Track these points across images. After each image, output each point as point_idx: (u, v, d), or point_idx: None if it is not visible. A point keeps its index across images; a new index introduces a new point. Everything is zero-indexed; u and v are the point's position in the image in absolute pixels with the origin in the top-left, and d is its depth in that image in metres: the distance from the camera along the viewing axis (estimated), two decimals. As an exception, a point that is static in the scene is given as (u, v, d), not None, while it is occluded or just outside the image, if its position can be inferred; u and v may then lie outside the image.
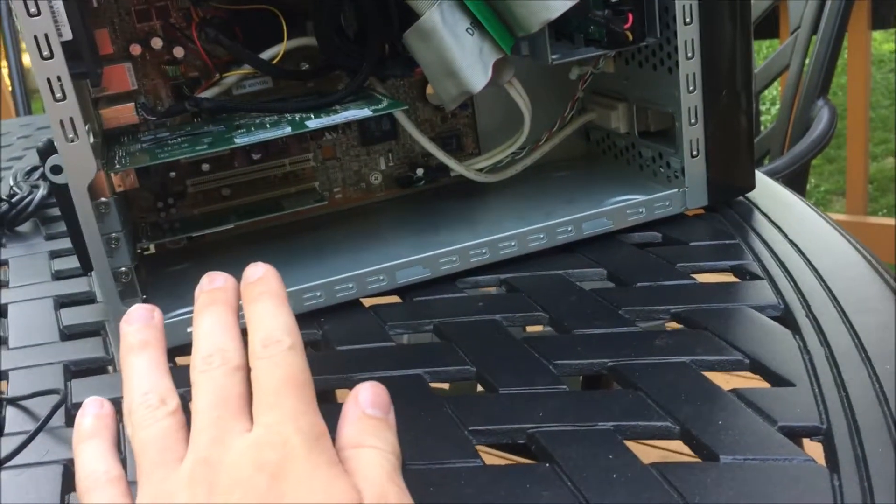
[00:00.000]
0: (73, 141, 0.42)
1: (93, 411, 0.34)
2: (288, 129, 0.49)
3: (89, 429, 0.34)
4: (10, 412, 0.44)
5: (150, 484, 0.30)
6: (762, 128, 1.21)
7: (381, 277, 0.50)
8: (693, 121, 0.52)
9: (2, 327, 0.54)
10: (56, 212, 0.73)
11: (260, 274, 0.35)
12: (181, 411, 0.32)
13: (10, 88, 1.51)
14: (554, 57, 0.51)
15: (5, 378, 0.48)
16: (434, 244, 0.52)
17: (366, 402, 0.32)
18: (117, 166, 0.47)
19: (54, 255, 0.65)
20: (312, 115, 0.50)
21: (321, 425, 0.30)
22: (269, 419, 0.30)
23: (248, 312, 0.34)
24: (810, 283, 0.45)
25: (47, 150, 0.44)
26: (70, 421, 0.43)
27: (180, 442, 0.30)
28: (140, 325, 0.35)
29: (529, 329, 0.51)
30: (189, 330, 0.47)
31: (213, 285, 0.36)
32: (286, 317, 0.33)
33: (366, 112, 0.50)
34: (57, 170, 0.44)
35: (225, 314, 0.34)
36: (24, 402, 0.44)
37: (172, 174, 0.57)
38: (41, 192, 0.73)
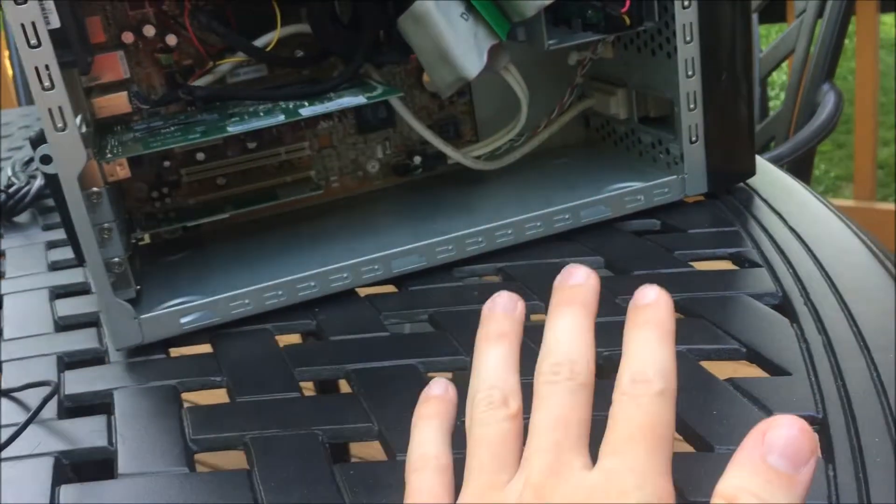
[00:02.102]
0: (62, 130, 0.42)
1: (438, 392, 0.33)
2: (282, 118, 0.49)
3: (431, 409, 0.32)
4: (3, 404, 0.44)
5: (474, 488, 0.29)
6: (770, 112, 1.20)
7: (377, 267, 0.50)
8: (692, 106, 0.51)
9: (-3, 318, 0.54)
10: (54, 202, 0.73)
11: (652, 298, 0.31)
12: (521, 416, 0.30)
13: (11, 78, 1.51)
14: (551, 42, 0.50)
15: (-1, 370, 0.48)
16: (430, 233, 0.51)
17: (773, 445, 0.25)
18: (109, 156, 0.47)
19: (51, 245, 0.65)
20: (307, 103, 0.50)
21: (669, 494, 0.26)
22: (613, 465, 0.27)
23: (628, 337, 0.30)
24: (809, 270, 0.44)
25: (38, 140, 0.44)
26: (62, 413, 0.42)
27: (514, 452, 0.29)
28: (502, 315, 0.33)
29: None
30: (182, 321, 0.47)
31: (573, 280, 0.32)
32: (667, 356, 0.29)
33: (360, 99, 0.49)
34: (47, 159, 0.43)
35: (584, 318, 0.31)
36: (16, 394, 0.44)
37: (167, 163, 0.56)
38: (39, 182, 0.72)
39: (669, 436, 0.28)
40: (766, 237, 0.48)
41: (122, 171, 0.48)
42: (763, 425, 0.26)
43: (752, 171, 0.54)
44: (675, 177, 0.53)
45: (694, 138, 0.52)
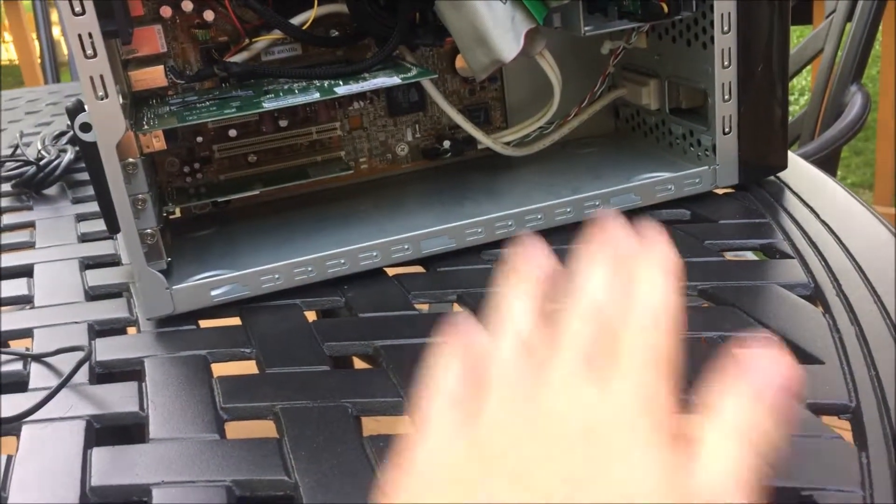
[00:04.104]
0: (102, 99, 0.42)
1: None
2: (316, 95, 0.49)
3: None
4: (35, 368, 0.44)
5: None
6: (790, 117, 1.19)
7: (406, 247, 0.50)
8: (727, 97, 0.51)
9: (28, 286, 0.54)
10: (83, 176, 0.74)
11: None
12: None
13: (39, 60, 1.52)
14: (587, 28, 0.50)
15: (31, 335, 0.48)
16: (460, 215, 0.51)
17: None
18: (145, 127, 0.47)
19: (80, 217, 0.66)
20: (341, 82, 0.50)
21: None
22: None
23: None
24: (841, 262, 0.44)
25: (76, 109, 0.44)
26: (93, 378, 0.43)
27: None
28: None
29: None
30: (213, 293, 0.47)
31: None
32: None
33: (395, 80, 0.50)
34: (86, 128, 0.44)
35: None
36: (48, 359, 0.44)
37: (199, 139, 0.57)
38: (69, 156, 0.73)
39: None
40: (797, 229, 0.48)
41: (157, 142, 0.48)
42: None
43: (783, 165, 0.54)
44: (706, 167, 0.53)
45: (727, 129, 0.52)
